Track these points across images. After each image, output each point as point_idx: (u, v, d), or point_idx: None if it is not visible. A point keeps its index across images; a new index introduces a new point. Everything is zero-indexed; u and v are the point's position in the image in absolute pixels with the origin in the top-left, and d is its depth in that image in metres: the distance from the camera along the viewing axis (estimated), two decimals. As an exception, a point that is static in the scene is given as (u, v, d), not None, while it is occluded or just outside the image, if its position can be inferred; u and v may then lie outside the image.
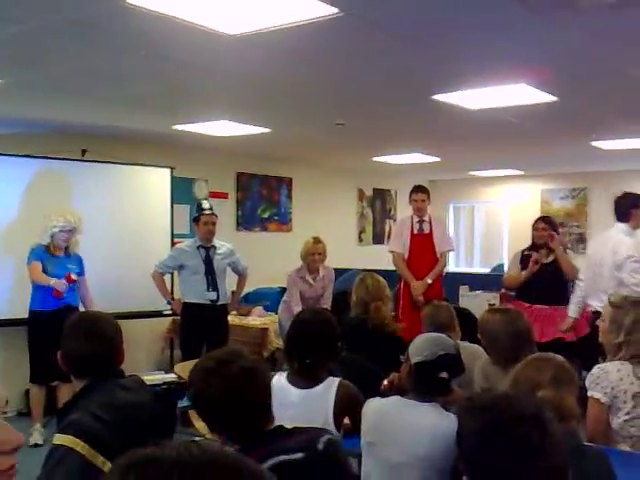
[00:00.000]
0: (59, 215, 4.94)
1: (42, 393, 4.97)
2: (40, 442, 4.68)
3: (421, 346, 2.35)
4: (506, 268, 6.41)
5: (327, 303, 5.37)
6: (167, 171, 6.48)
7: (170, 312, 5.89)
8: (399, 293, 5.20)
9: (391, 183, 10.11)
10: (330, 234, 8.88)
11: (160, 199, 6.43)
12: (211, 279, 5.25)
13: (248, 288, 6.46)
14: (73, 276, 4.89)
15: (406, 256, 5.32)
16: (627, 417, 2.56)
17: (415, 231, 5.35)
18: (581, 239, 9.71)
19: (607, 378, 2.60)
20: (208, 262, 5.26)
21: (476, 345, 3.30)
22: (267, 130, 5.85)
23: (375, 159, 7.92)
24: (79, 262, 5.11)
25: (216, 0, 2.77)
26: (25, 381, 5.16)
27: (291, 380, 2.57)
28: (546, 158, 8.09)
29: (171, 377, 4.38)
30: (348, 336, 3.48)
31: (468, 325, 3.69)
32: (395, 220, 9.94)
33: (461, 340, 3.48)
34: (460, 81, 4.08)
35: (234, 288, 5.62)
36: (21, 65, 3.85)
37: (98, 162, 6.00)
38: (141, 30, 3.14)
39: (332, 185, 9.15)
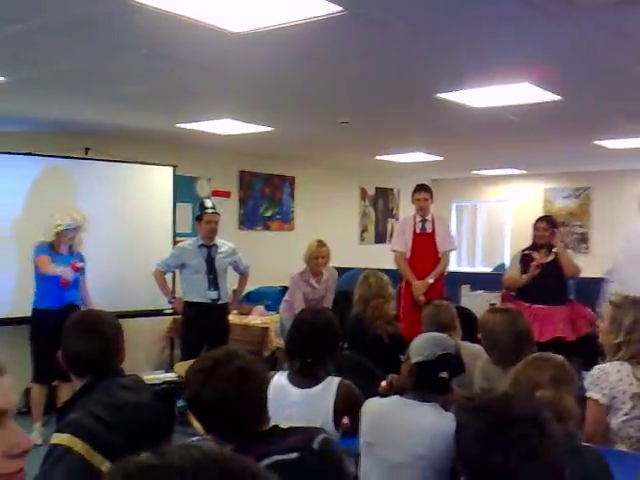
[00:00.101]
0: (65, 214, 4.95)
1: (43, 392, 4.98)
2: (39, 442, 4.67)
3: (421, 346, 2.35)
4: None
5: (328, 303, 5.37)
6: (170, 169, 6.48)
7: (171, 311, 5.90)
8: (400, 292, 5.19)
9: (394, 182, 10.10)
10: (332, 233, 8.90)
11: (162, 198, 6.44)
12: (212, 278, 5.25)
13: (249, 287, 6.46)
14: (77, 264, 4.91)
15: (408, 255, 5.31)
16: (626, 418, 2.55)
17: (417, 230, 5.34)
18: (583, 239, 9.69)
19: (606, 379, 2.59)
20: (210, 261, 5.27)
21: (477, 345, 3.30)
22: (270, 129, 5.85)
23: (378, 158, 7.92)
24: (82, 261, 5.13)
25: (218, -1, 2.77)
26: (26, 380, 5.18)
27: (292, 379, 2.58)
28: (549, 157, 8.07)
29: (171, 376, 4.39)
30: (348, 335, 3.48)
31: (469, 325, 3.69)
32: (397, 219, 9.93)
33: (462, 340, 3.48)
34: (464, 80, 4.08)
35: (235, 287, 5.63)
36: (24, 63, 3.85)
37: (101, 160, 6.01)
38: (144, 28, 3.15)
39: (335, 184, 9.15)
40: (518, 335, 2.87)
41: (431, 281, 5.17)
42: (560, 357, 2.10)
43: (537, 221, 5.24)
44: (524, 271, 5.12)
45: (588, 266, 7.12)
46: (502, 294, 5.69)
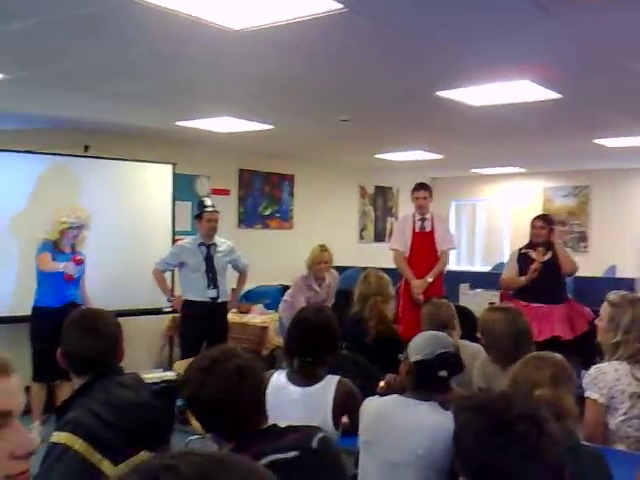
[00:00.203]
0: (70, 211, 4.95)
1: (44, 392, 4.98)
2: (38, 441, 4.68)
3: (421, 344, 2.35)
4: (507, 267, 6.39)
5: (329, 303, 5.36)
6: (169, 167, 6.48)
7: (170, 309, 5.89)
8: (399, 291, 5.19)
9: (393, 180, 10.10)
10: (331, 232, 8.92)
11: (162, 196, 6.44)
12: (212, 277, 5.25)
13: (249, 286, 6.46)
14: (78, 257, 4.90)
15: (407, 254, 5.30)
16: (624, 417, 2.55)
17: (417, 229, 5.34)
18: (582, 237, 9.70)
19: (604, 378, 2.59)
20: (209, 260, 5.27)
21: (476, 344, 3.30)
22: (270, 127, 5.84)
23: (377, 156, 7.91)
24: (83, 263, 5.10)
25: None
26: (25, 378, 5.18)
27: (290, 378, 2.58)
28: (549, 156, 8.07)
29: (170, 375, 4.39)
30: (346, 334, 3.48)
31: (468, 324, 3.69)
32: (397, 218, 9.93)
33: (461, 339, 3.48)
34: (464, 78, 4.08)
35: (234, 286, 5.63)
36: (24, 61, 3.85)
37: (100, 158, 6.00)
38: (144, 25, 3.14)
39: (334, 182, 9.15)
40: (518, 334, 2.87)
41: (430, 280, 5.17)
42: (559, 356, 2.10)
43: (534, 220, 5.25)
44: (521, 270, 5.13)
45: (587, 265, 7.15)
46: (501, 293, 5.70)
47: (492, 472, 1.29)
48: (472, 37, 3.28)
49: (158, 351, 6.76)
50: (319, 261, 5.23)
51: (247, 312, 6.71)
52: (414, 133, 6.45)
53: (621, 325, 2.69)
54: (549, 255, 5.10)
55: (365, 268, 4.74)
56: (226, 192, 7.62)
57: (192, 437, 4.10)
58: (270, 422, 1.77)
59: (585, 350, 3.98)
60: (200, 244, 5.29)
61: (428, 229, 5.34)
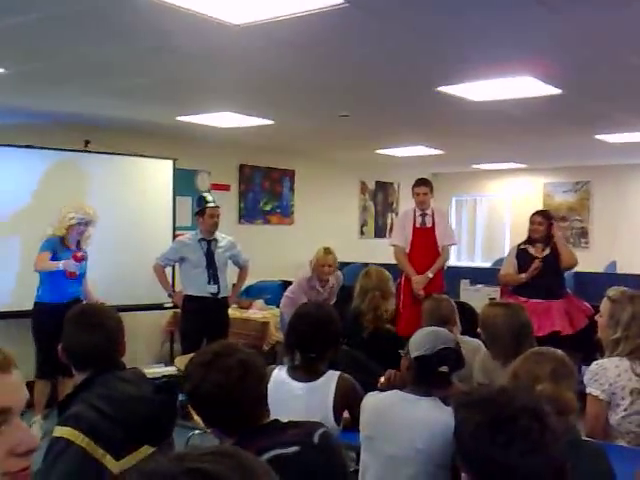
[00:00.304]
0: (78, 208, 4.94)
1: (48, 388, 4.97)
2: (40, 435, 4.69)
3: (421, 340, 2.35)
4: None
5: (330, 302, 5.35)
6: (170, 163, 6.47)
7: (171, 305, 5.90)
8: (400, 287, 5.19)
9: (394, 176, 10.09)
10: (332, 227, 8.93)
11: (162, 191, 6.43)
12: (212, 272, 5.25)
13: (249, 281, 6.46)
14: (79, 254, 4.86)
15: (408, 250, 5.30)
16: (625, 413, 2.56)
17: (417, 224, 5.33)
18: (583, 233, 9.70)
19: (605, 374, 2.59)
20: (209, 255, 5.27)
21: (476, 339, 3.31)
22: (270, 122, 5.84)
23: (378, 152, 7.91)
24: (86, 261, 5.08)
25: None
26: (27, 373, 5.18)
27: (291, 374, 2.58)
28: (549, 151, 8.07)
29: (171, 370, 4.40)
30: (347, 330, 3.48)
31: (468, 319, 3.70)
32: (397, 213, 9.93)
33: (461, 334, 3.49)
34: (465, 73, 4.07)
35: (235, 281, 5.63)
36: (24, 55, 3.85)
37: (101, 153, 6.00)
38: (145, 20, 3.14)
39: (335, 178, 9.15)
40: (519, 330, 2.87)
41: (431, 275, 5.17)
42: (560, 351, 2.10)
43: (532, 215, 5.24)
44: (520, 266, 5.12)
45: (588, 261, 7.15)
46: (501, 288, 5.70)
47: (494, 467, 1.29)
48: (473, 33, 3.28)
49: (159, 346, 6.77)
50: (323, 264, 5.19)
51: (248, 307, 6.71)
52: (415, 128, 6.45)
53: (621, 321, 2.69)
54: (548, 251, 5.10)
55: (366, 264, 4.75)
56: (226, 187, 7.62)
57: (194, 432, 4.11)
58: (271, 417, 1.78)
59: (585, 346, 3.98)
60: (201, 239, 5.29)
61: (429, 225, 5.33)
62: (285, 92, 4.80)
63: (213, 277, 5.25)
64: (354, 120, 5.74)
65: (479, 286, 6.27)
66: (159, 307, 6.14)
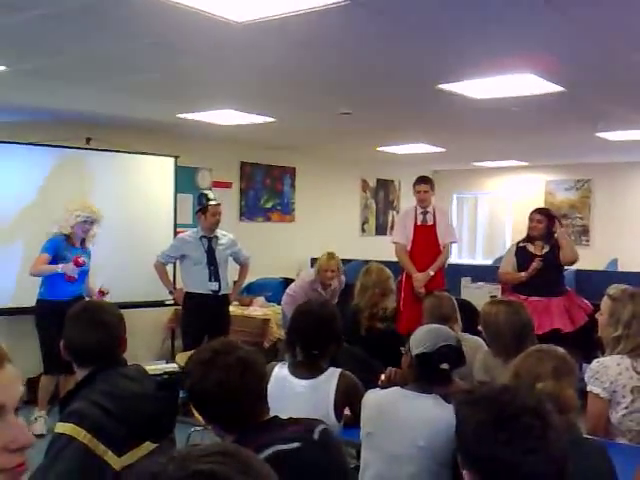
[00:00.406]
0: (83, 206, 4.94)
1: (53, 384, 4.97)
2: (44, 432, 4.69)
3: (422, 337, 2.35)
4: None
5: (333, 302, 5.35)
6: (171, 160, 6.48)
7: (172, 302, 5.90)
8: (401, 285, 5.19)
9: (395, 173, 10.09)
10: (333, 225, 8.93)
11: (163, 188, 6.43)
12: (213, 269, 5.25)
13: (250, 278, 6.47)
14: (81, 259, 4.86)
15: (409, 247, 5.30)
16: (626, 411, 2.56)
17: (418, 222, 5.33)
18: (584, 231, 9.69)
19: (606, 373, 2.59)
20: (210, 252, 5.27)
21: (477, 337, 3.31)
22: (271, 119, 5.83)
23: (379, 149, 7.90)
24: (89, 259, 5.08)
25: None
26: (28, 369, 5.19)
27: (293, 371, 2.58)
28: (551, 149, 8.06)
29: (172, 367, 4.41)
30: (347, 327, 3.49)
31: (469, 317, 3.70)
32: (398, 211, 9.93)
33: (462, 332, 3.49)
34: (466, 70, 4.07)
35: (236, 278, 5.63)
36: (25, 53, 3.84)
37: (102, 151, 6.00)
38: (146, 17, 3.14)
39: (336, 175, 9.14)
40: (521, 327, 2.87)
41: (432, 273, 5.16)
42: (561, 349, 2.11)
43: (532, 213, 5.23)
44: (520, 264, 5.12)
45: (589, 258, 7.15)
46: (502, 286, 5.69)
47: (496, 465, 1.29)
48: (475, 30, 3.27)
49: (160, 343, 6.78)
50: (326, 269, 5.16)
51: (249, 305, 6.72)
52: (416, 126, 6.44)
53: (622, 319, 2.69)
54: (547, 248, 5.09)
55: (367, 261, 4.74)
56: (228, 185, 7.62)
57: (195, 428, 4.12)
58: (272, 414, 1.78)
59: (586, 344, 3.98)
60: (202, 237, 5.29)
61: (430, 222, 5.33)
62: (286, 90, 4.79)
63: (214, 274, 5.26)
64: (355, 118, 5.74)
65: (480, 284, 6.27)
66: (160, 304, 6.15)
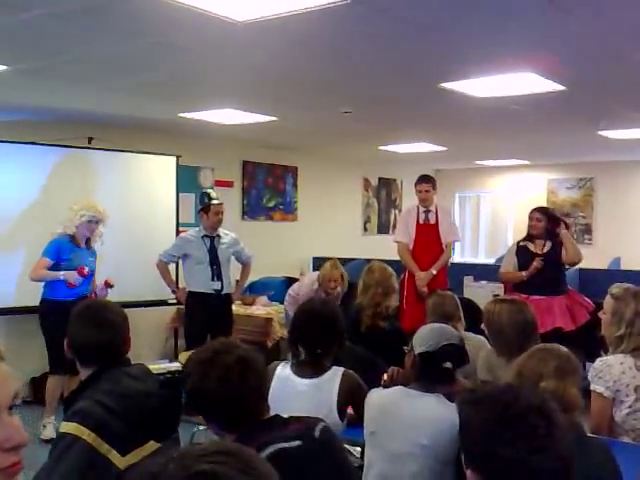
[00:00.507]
0: (90, 206, 4.93)
1: (60, 385, 4.90)
2: (54, 437, 4.66)
3: (425, 336, 2.35)
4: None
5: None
6: (173, 159, 6.48)
7: (175, 301, 5.91)
8: (403, 284, 5.19)
9: (397, 172, 10.08)
10: (335, 224, 8.93)
11: (166, 188, 6.44)
12: (215, 269, 5.25)
13: (252, 277, 6.47)
14: (85, 270, 4.81)
15: (411, 246, 5.30)
16: (629, 410, 2.56)
17: (421, 221, 5.33)
18: (587, 230, 9.68)
19: (609, 372, 2.59)
20: (213, 252, 5.27)
21: (480, 336, 3.31)
22: (273, 118, 5.83)
23: (381, 148, 7.89)
24: (95, 258, 5.06)
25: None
26: (31, 369, 5.20)
27: (295, 370, 2.58)
28: (553, 148, 8.05)
29: (175, 366, 4.41)
30: (350, 326, 3.49)
31: (472, 316, 3.70)
32: (400, 210, 9.93)
33: (465, 331, 3.49)
34: (468, 69, 4.06)
35: (238, 277, 5.63)
36: (26, 52, 3.85)
37: (104, 150, 6.00)
38: (148, 16, 3.14)
39: (338, 174, 9.14)
40: (524, 326, 2.86)
41: (434, 272, 5.16)
42: (564, 348, 2.10)
43: (532, 212, 5.23)
44: (520, 263, 5.11)
45: (591, 257, 7.13)
46: (505, 285, 5.69)
47: (500, 464, 1.29)
48: (476, 29, 3.27)
49: (163, 342, 6.79)
50: (329, 278, 5.09)
51: (251, 304, 6.72)
52: (418, 125, 6.44)
53: (625, 318, 2.68)
54: (548, 247, 5.09)
55: (369, 260, 4.74)
56: (230, 184, 7.62)
57: (198, 427, 4.12)
58: (275, 413, 1.78)
59: (588, 343, 3.98)
60: (204, 236, 5.29)
61: (432, 221, 5.33)
62: (288, 89, 4.79)
63: (216, 273, 5.26)
64: (357, 117, 5.74)
65: (483, 282, 6.27)
66: (163, 303, 6.15)
